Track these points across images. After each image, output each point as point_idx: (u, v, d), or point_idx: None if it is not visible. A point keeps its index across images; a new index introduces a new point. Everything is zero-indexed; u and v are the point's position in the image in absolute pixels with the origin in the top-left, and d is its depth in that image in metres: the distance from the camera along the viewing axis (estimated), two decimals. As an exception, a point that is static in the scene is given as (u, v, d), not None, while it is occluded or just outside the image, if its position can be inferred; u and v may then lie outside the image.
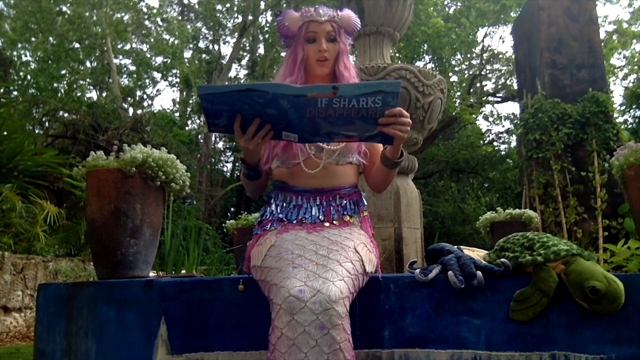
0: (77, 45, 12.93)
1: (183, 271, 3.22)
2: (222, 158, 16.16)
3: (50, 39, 12.81)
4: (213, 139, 14.32)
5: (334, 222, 1.56)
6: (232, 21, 15.67)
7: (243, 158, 1.55)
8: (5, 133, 4.70)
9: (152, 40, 14.32)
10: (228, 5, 14.82)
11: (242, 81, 16.87)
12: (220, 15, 15.29)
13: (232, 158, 15.91)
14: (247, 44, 16.09)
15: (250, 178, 1.61)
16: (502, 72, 13.60)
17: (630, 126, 8.24)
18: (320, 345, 1.17)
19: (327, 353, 1.17)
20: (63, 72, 13.06)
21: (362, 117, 1.32)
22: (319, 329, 1.18)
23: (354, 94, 1.27)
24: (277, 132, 1.41)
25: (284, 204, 1.62)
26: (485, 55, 13.04)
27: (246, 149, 1.47)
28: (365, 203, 1.68)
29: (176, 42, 14.01)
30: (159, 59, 14.67)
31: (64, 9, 12.59)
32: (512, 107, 25.90)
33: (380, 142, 1.45)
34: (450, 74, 13.10)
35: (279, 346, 1.19)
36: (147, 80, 15.47)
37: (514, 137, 13.84)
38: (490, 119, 15.03)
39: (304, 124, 1.35)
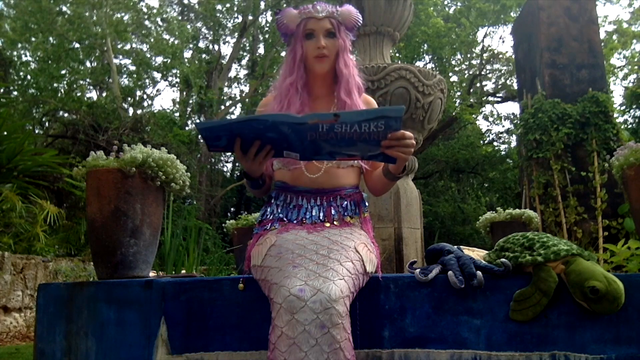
0: (77, 45, 12.91)
1: (183, 271, 3.22)
2: (222, 158, 16.14)
3: (50, 39, 12.79)
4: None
5: (335, 222, 1.56)
6: (232, 21, 15.67)
7: (245, 172, 1.55)
8: (5, 133, 4.70)
9: (152, 40, 14.30)
10: (228, 5, 14.80)
11: (242, 81, 16.90)
12: (220, 15, 15.27)
13: (232, 158, 15.91)
14: (247, 44, 16.09)
15: (255, 187, 1.61)
16: (502, 72, 13.60)
17: (630, 126, 8.24)
18: (321, 344, 1.17)
19: (327, 352, 1.17)
20: (63, 72, 13.03)
21: (364, 140, 1.32)
22: (319, 328, 1.18)
23: (356, 120, 1.27)
24: (278, 151, 1.41)
25: (285, 204, 1.62)
26: (485, 55, 13.04)
27: (248, 168, 1.47)
28: (367, 204, 1.68)
29: (176, 42, 13.99)
30: (159, 59, 14.66)
31: (64, 9, 12.57)
32: (512, 107, 25.92)
33: (382, 161, 1.44)
34: (450, 74, 13.09)
35: (279, 345, 1.19)
36: (147, 80, 15.46)
37: (514, 137, 13.85)
38: (490, 119, 15.04)
39: (305, 146, 1.35)
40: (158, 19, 14.43)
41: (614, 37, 12.92)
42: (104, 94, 14.37)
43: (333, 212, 1.58)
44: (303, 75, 1.65)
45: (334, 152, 1.37)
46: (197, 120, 14.67)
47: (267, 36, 15.21)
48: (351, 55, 1.71)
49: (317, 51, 1.62)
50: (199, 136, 12.60)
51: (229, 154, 15.67)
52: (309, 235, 1.46)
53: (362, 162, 1.65)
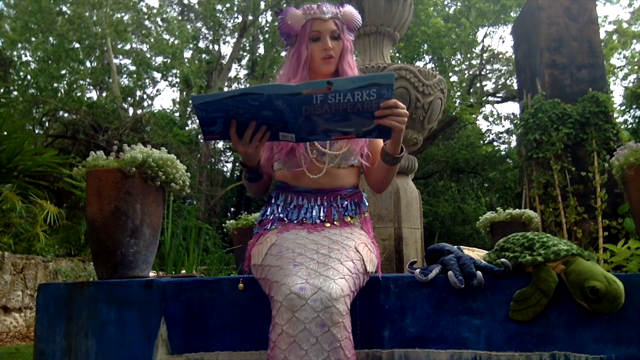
0: (77, 45, 12.92)
1: (183, 271, 3.22)
2: (222, 158, 16.16)
3: (50, 39, 12.79)
4: (213, 138, 14.27)
5: (335, 222, 1.56)
6: (232, 21, 15.68)
7: (242, 162, 1.55)
8: (5, 133, 4.70)
9: (152, 40, 14.31)
10: (228, 5, 14.81)
11: (242, 81, 16.89)
12: (220, 15, 15.28)
13: (232, 158, 15.92)
14: (247, 44, 16.09)
15: (252, 180, 1.61)
16: (502, 72, 13.60)
17: (630, 126, 8.24)
18: (321, 342, 1.17)
19: (327, 351, 1.17)
20: (63, 72, 13.04)
21: (358, 112, 1.32)
22: (320, 327, 1.18)
23: (349, 88, 1.27)
24: (274, 133, 1.41)
25: (285, 204, 1.62)
26: (485, 55, 13.04)
27: (245, 153, 1.46)
28: (367, 204, 1.68)
29: (176, 42, 14.00)
30: (159, 59, 14.67)
31: (64, 9, 12.57)
32: (512, 107, 25.94)
33: (377, 137, 1.44)
34: (450, 74, 13.09)
35: (280, 343, 1.19)
36: (147, 80, 15.46)
37: (514, 137, 13.86)
38: (490, 119, 15.05)
39: (300, 123, 1.34)
40: (158, 19, 14.44)
41: (614, 37, 12.92)
42: (104, 94, 14.38)
43: (333, 212, 1.58)
44: (307, 77, 1.64)
45: (329, 129, 1.36)
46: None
47: (267, 36, 15.22)
48: (353, 56, 1.71)
49: (324, 52, 1.62)
50: (199, 136, 12.66)
51: (229, 153, 15.70)
52: (310, 235, 1.46)
53: (363, 159, 1.65)
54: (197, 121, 1.45)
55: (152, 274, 2.21)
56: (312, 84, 1.29)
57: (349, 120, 1.34)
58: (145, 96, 16.05)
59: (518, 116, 9.47)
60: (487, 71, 13.70)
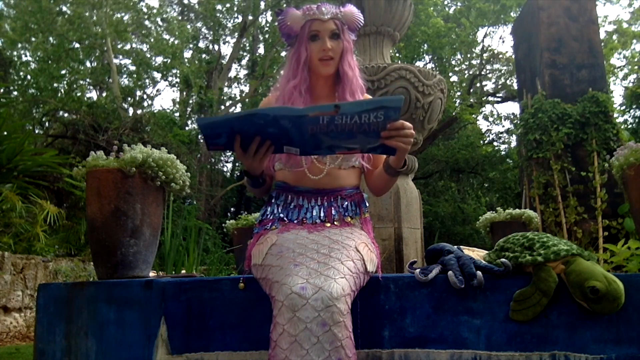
0: (77, 45, 12.92)
1: (183, 271, 3.22)
2: (222, 158, 16.14)
3: (50, 39, 12.80)
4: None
5: (335, 222, 1.56)
6: (232, 21, 15.68)
7: (246, 171, 1.55)
8: (5, 133, 4.69)
9: (152, 40, 14.31)
10: (228, 5, 14.81)
11: (242, 81, 16.89)
12: (220, 15, 15.28)
13: (232, 158, 15.91)
14: (247, 44, 16.09)
15: (255, 186, 1.61)
16: (502, 72, 13.60)
17: (630, 126, 8.23)
18: (322, 342, 1.18)
19: (328, 350, 1.18)
20: (63, 72, 13.03)
21: (364, 131, 1.32)
22: (321, 326, 1.18)
23: (356, 111, 1.27)
24: (278, 146, 1.41)
25: (285, 204, 1.62)
26: (485, 55, 13.04)
27: (249, 166, 1.47)
28: (367, 205, 1.68)
29: (176, 42, 14.00)
30: (159, 59, 14.66)
31: (64, 9, 12.58)
32: (512, 107, 25.94)
33: (382, 154, 1.44)
34: (450, 74, 13.09)
35: (281, 342, 1.20)
36: (147, 80, 15.46)
37: (514, 137, 13.86)
38: (490, 119, 15.05)
39: (306, 140, 1.35)
40: (158, 19, 14.44)
41: (614, 37, 12.93)
42: (104, 94, 14.37)
43: (333, 212, 1.58)
44: (307, 78, 1.63)
45: (334, 145, 1.37)
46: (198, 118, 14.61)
47: (267, 36, 15.22)
48: (353, 56, 1.71)
49: (323, 53, 1.60)
50: (199, 136, 12.65)
51: (229, 153, 15.69)
52: (310, 235, 1.46)
53: (364, 161, 1.65)
54: (201, 135, 1.44)
55: (152, 274, 2.21)
56: (319, 107, 1.29)
57: (354, 138, 1.34)
58: (145, 96, 16.07)
59: (518, 116, 9.48)
60: (487, 71, 13.71)
